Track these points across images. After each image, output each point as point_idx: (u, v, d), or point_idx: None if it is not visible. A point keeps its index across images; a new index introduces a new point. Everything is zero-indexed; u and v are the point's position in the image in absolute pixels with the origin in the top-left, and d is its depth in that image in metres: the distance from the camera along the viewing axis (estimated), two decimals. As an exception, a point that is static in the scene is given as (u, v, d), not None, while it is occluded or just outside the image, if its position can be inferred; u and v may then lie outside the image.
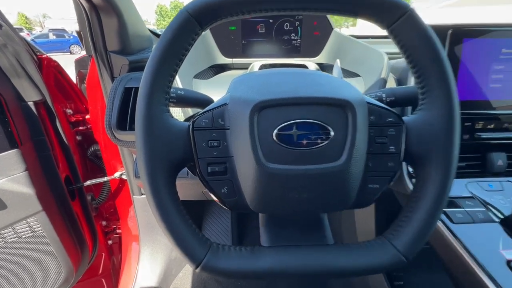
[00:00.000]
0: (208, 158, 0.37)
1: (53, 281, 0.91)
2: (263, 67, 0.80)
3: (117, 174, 1.00)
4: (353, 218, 1.00)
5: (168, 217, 0.36)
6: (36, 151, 0.84)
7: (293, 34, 0.88)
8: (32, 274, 0.89)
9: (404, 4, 0.34)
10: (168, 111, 0.38)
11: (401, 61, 0.71)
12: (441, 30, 0.59)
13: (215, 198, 0.40)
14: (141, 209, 1.04)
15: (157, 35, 0.96)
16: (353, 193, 0.38)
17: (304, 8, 0.36)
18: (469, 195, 0.58)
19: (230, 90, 0.41)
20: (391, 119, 0.38)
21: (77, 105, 1.09)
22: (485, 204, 0.57)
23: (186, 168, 0.43)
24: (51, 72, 0.95)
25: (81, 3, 0.64)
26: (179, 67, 0.37)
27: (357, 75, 0.79)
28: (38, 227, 0.83)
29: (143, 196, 0.99)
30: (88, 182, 1.02)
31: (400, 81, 0.69)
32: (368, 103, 0.37)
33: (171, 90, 0.38)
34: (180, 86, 0.66)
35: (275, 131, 0.34)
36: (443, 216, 0.54)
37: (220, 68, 0.92)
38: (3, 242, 0.81)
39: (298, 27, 0.87)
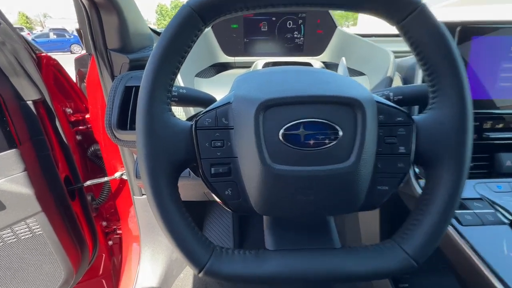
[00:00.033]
0: (212, 158, 0.36)
1: (52, 282, 0.90)
2: (266, 65, 0.79)
3: (117, 174, 0.99)
4: (356, 219, 0.98)
5: (170, 219, 0.35)
6: (35, 151, 0.83)
7: (296, 32, 0.87)
8: (32, 276, 0.88)
9: None
10: (170, 110, 0.36)
11: (407, 60, 0.70)
12: (449, 28, 0.57)
13: (218, 200, 0.39)
14: (142, 210, 1.03)
15: (158, 34, 0.95)
16: (361, 195, 0.36)
17: (310, 4, 0.35)
18: (478, 196, 0.57)
19: (234, 88, 0.40)
20: (400, 119, 0.36)
21: (77, 104, 1.07)
22: (494, 205, 0.55)
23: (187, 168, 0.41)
24: (51, 71, 0.93)
25: (80, 0, 0.63)
26: (181, 65, 0.36)
27: (362, 74, 0.77)
28: (37, 228, 0.82)
29: (144, 196, 0.98)
30: (88, 182, 1.01)
31: (406, 80, 0.67)
32: (377, 101, 0.36)
33: (173, 88, 0.37)
34: (182, 84, 0.65)
35: (281, 130, 0.33)
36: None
37: (221, 67, 0.91)
38: (1, 244, 0.80)
39: (301, 25, 0.86)
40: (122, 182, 1.08)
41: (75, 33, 0.90)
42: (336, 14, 0.85)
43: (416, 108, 0.61)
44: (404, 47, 0.87)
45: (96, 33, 0.69)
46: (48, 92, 0.86)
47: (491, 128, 0.60)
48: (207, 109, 0.37)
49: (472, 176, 0.61)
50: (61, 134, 0.94)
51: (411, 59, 0.70)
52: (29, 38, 0.92)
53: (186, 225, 0.35)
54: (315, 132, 0.33)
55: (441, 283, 0.80)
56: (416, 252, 0.35)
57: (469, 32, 0.57)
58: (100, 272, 1.20)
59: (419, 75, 0.61)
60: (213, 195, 0.38)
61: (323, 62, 0.88)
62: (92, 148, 1.12)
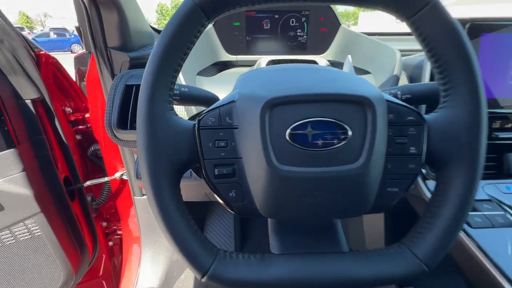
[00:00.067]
0: (215, 159, 0.35)
1: (52, 284, 0.89)
2: (270, 63, 0.77)
3: (117, 174, 0.98)
4: (361, 221, 0.97)
5: (171, 222, 0.34)
6: (34, 151, 0.82)
7: (299, 30, 0.86)
8: (30, 277, 0.87)
9: None
10: (172, 108, 0.35)
11: (413, 58, 0.69)
12: None
13: (221, 202, 0.37)
14: (142, 210, 1.02)
15: (159, 32, 0.94)
16: (371, 197, 0.35)
17: None
18: (487, 197, 0.56)
19: (238, 86, 0.38)
20: (411, 118, 0.35)
21: (77, 104, 1.06)
22: (503, 207, 0.54)
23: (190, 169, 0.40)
24: (50, 69, 0.92)
25: (80, -3, 0.62)
26: (183, 62, 0.35)
27: (367, 72, 0.76)
28: (36, 229, 0.81)
29: (144, 197, 0.97)
30: (88, 183, 1.00)
31: (412, 79, 0.66)
32: (387, 100, 0.35)
33: (175, 87, 0.36)
34: (184, 83, 0.63)
35: (288, 130, 0.32)
36: None
37: (223, 65, 0.90)
38: (0, 245, 0.79)
39: (305, 23, 0.85)
40: (123, 182, 1.08)
41: (76, 33, 0.89)
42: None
43: (423, 107, 0.59)
44: (409, 45, 0.86)
45: (96, 31, 0.68)
46: (47, 91, 0.85)
47: (500, 127, 0.59)
48: (210, 107, 0.36)
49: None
50: (61, 134, 0.93)
51: (417, 57, 0.69)
52: (30, 37, 0.91)
53: (188, 228, 0.34)
54: (323, 131, 0.32)
55: (448, 286, 0.79)
56: (427, 256, 0.34)
57: (478, 29, 0.56)
58: (100, 273, 1.19)
59: (427, 74, 0.59)
60: (216, 197, 0.37)
61: (328, 61, 0.87)
62: (92, 148, 1.11)
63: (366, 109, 0.32)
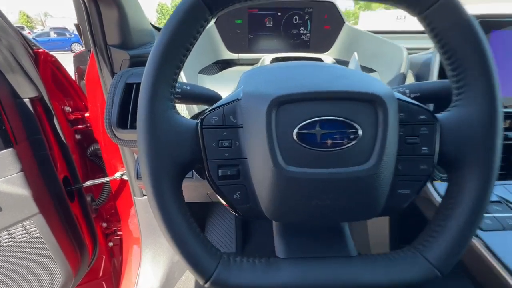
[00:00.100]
0: (219, 160, 0.33)
1: (51, 285, 0.88)
2: (274, 60, 0.75)
3: (117, 175, 0.97)
4: (365, 223, 0.95)
5: (173, 225, 0.32)
6: (33, 150, 0.81)
7: (302, 28, 0.84)
8: (29, 279, 0.85)
9: None
10: (174, 107, 0.34)
11: (420, 56, 0.67)
12: None
13: (225, 204, 0.36)
14: (143, 211, 1.00)
15: (159, 30, 0.92)
16: (381, 200, 0.34)
17: None
18: (497, 199, 0.54)
19: (242, 84, 0.37)
20: (423, 117, 0.34)
21: (76, 103, 1.05)
22: None
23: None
24: (48, 67, 0.91)
25: (79, -7, 0.61)
26: (186, 58, 0.33)
27: (372, 71, 0.75)
28: (35, 230, 0.79)
29: (145, 197, 0.96)
30: (88, 183, 0.99)
31: (418, 77, 0.65)
32: (397, 98, 0.34)
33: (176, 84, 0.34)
34: (185, 81, 0.62)
35: (296, 129, 0.31)
36: None
37: (225, 64, 0.88)
38: (-2, 246, 0.78)
39: (308, 21, 0.83)
40: (123, 182, 1.07)
41: (76, 32, 0.87)
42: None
43: (430, 106, 0.58)
44: (412, 44, 0.85)
45: (96, 29, 0.66)
46: (46, 89, 0.84)
47: (509, 127, 0.58)
48: (214, 106, 0.35)
49: None
50: (60, 133, 0.92)
51: (423, 55, 0.67)
52: (30, 37, 0.91)
53: (190, 231, 0.33)
54: (332, 131, 0.30)
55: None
56: (440, 261, 0.33)
57: (488, 25, 0.54)
58: (100, 274, 1.18)
59: (435, 71, 0.58)
60: (220, 199, 0.36)
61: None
62: (92, 148, 1.10)
63: (377, 108, 0.31)
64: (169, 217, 0.32)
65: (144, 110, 0.31)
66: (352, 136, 0.31)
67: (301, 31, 0.85)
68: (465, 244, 0.33)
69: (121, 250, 1.20)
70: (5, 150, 0.72)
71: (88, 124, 1.06)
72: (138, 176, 0.71)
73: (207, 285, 0.33)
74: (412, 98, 0.44)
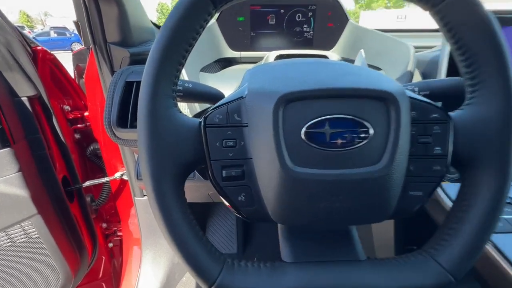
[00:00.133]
0: (223, 160, 0.32)
1: (50, 287, 0.87)
2: (279, 57, 0.74)
3: (117, 175, 0.96)
4: (369, 226, 0.94)
5: (175, 227, 0.31)
6: (31, 150, 0.79)
7: (305, 26, 0.83)
8: (28, 280, 0.84)
9: None
10: (176, 105, 0.32)
11: (427, 54, 0.66)
12: None
13: (229, 206, 0.35)
14: (143, 211, 0.99)
15: (159, 27, 0.91)
16: (392, 202, 0.32)
17: None
18: (508, 200, 0.53)
19: (247, 81, 0.35)
20: (436, 115, 0.32)
21: (75, 101, 1.04)
22: None
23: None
24: (47, 66, 0.90)
25: (78, -10, 0.59)
26: (188, 54, 0.32)
27: (378, 69, 0.73)
28: (33, 231, 0.78)
29: (145, 197, 0.95)
30: (87, 183, 0.98)
31: (425, 75, 0.63)
32: (409, 96, 0.32)
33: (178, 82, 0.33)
34: (187, 79, 0.61)
35: (304, 128, 0.29)
36: None
37: (227, 62, 0.87)
38: (-4, 248, 0.77)
39: (311, 18, 0.82)
40: (123, 182, 1.05)
41: (76, 32, 0.86)
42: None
43: (439, 104, 0.57)
44: (417, 42, 0.83)
45: (95, 26, 0.65)
46: (44, 88, 0.83)
47: None
48: (217, 104, 0.33)
49: None
50: (59, 133, 0.91)
51: (430, 53, 0.66)
52: (31, 36, 0.90)
53: (193, 234, 0.32)
54: (342, 130, 0.29)
55: None
56: (454, 265, 0.32)
57: (500, 22, 0.53)
58: (100, 275, 1.17)
59: (443, 69, 0.57)
60: (224, 201, 0.34)
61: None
62: (92, 147, 1.09)
63: (389, 106, 0.30)
64: (171, 220, 0.31)
65: (144, 108, 0.30)
66: (363, 135, 0.29)
67: (304, 29, 0.83)
68: (480, 248, 0.31)
69: (121, 251, 1.19)
70: (2, 150, 0.71)
71: (88, 123, 1.05)
72: (138, 177, 0.69)
73: None
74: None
